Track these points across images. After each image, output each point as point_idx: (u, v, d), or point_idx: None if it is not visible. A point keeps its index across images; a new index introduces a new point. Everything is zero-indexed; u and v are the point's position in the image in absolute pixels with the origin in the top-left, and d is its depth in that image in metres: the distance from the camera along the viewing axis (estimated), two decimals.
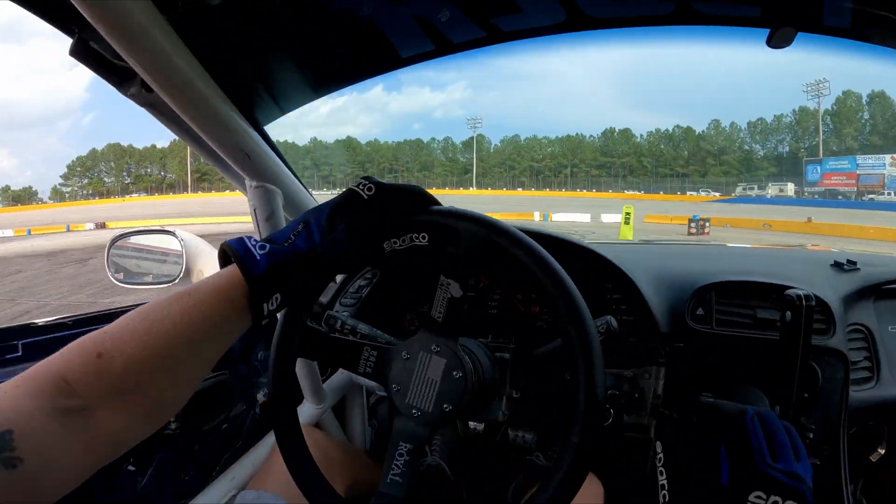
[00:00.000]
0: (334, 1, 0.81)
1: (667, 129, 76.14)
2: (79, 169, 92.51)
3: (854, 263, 1.25)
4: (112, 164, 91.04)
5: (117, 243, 1.37)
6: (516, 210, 30.72)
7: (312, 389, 1.16)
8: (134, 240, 1.40)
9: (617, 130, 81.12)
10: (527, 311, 1.21)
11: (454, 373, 0.66)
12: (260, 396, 1.18)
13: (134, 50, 0.64)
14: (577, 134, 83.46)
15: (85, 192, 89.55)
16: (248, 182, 0.97)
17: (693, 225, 18.18)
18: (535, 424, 1.06)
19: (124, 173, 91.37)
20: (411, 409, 0.66)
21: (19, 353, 0.87)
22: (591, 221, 24.86)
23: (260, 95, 0.95)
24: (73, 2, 0.55)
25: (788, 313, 0.90)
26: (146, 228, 1.42)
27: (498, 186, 77.57)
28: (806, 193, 46.85)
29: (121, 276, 1.37)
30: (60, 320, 0.98)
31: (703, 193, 54.18)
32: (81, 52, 0.73)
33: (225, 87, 0.83)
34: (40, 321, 0.96)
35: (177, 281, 1.33)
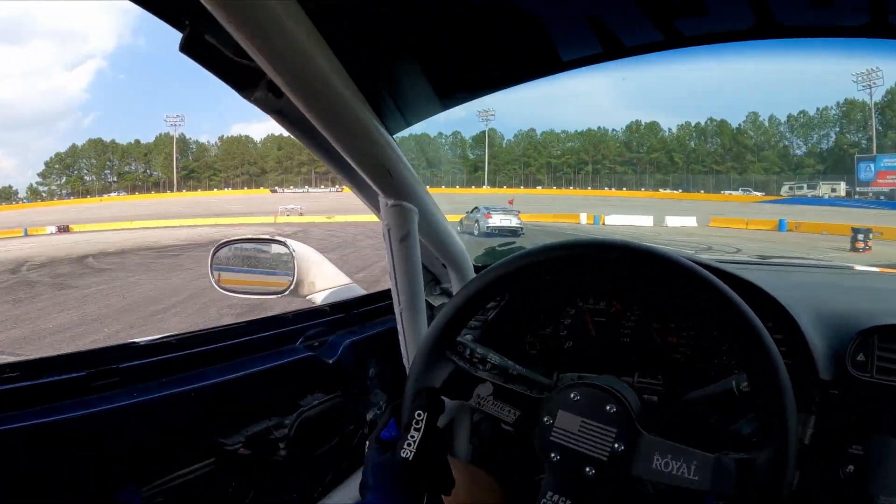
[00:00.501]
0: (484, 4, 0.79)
1: (698, 123, 75.38)
2: (57, 166, 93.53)
3: None
4: (93, 160, 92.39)
5: (221, 251, 1.45)
6: (547, 210, 30.45)
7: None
8: (241, 247, 1.48)
9: (643, 124, 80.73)
10: (664, 342, 1.18)
11: (608, 408, 0.70)
12: (371, 416, 1.23)
13: (264, 45, 0.58)
14: (598, 128, 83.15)
15: (64, 191, 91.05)
16: (383, 200, 0.97)
17: (860, 237, 15.37)
18: None
19: (106, 171, 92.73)
20: (585, 469, 0.69)
21: (117, 378, 0.84)
22: (654, 225, 24.55)
23: (388, 104, 0.93)
24: None
25: None
26: (254, 237, 1.51)
27: (513, 184, 77.27)
28: (858, 193, 46.00)
29: (228, 284, 1.45)
30: (165, 339, 0.97)
31: (742, 192, 53.36)
32: (195, 46, 0.67)
33: (365, 93, 0.80)
34: (142, 340, 0.95)
35: (287, 292, 1.40)
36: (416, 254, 1.02)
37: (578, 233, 20.26)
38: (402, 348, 1.10)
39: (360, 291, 1.50)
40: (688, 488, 0.64)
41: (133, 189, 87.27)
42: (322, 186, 74.37)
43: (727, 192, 55.39)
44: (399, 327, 1.07)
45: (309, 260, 1.42)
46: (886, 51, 0.98)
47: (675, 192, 60.16)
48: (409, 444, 0.69)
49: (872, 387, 1.00)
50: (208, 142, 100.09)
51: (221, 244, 1.46)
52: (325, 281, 1.46)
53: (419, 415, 0.70)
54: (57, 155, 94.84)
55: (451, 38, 0.86)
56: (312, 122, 0.73)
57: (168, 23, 0.64)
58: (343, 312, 1.30)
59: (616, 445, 0.67)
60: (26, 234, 33.67)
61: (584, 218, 27.01)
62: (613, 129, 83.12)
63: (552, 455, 0.71)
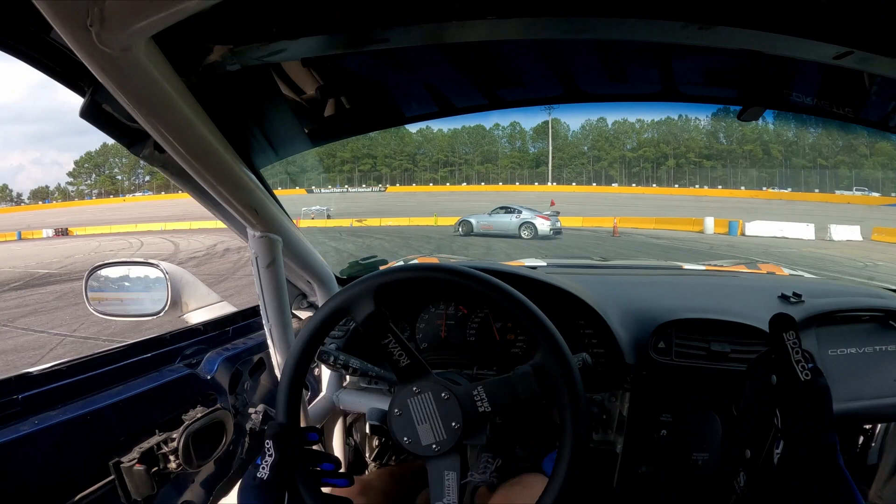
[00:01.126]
0: (347, 65, 1.07)
1: None
2: (87, 166, 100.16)
3: (799, 296, 1.62)
4: (124, 159, 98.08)
5: (96, 273, 1.64)
6: (634, 212, 28.87)
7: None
8: (113, 270, 1.66)
9: (732, 111, 75.23)
10: (503, 339, 1.59)
11: (443, 395, 1.00)
12: (250, 424, 1.44)
13: (150, 112, 0.77)
14: (679, 116, 79.31)
15: (94, 191, 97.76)
16: (250, 232, 1.20)
17: None
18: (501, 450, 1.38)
19: (139, 170, 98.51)
20: (432, 448, 1.01)
21: (19, 408, 0.98)
22: (817, 239, 21.40)
23: (258, 141, 1.16)
24: (88, 64, 0.63)
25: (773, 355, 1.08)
26: (128, 260, 1.72)
27: (581, 181, 75.57)
28: None
29: (101, 307, 1.63)
30: (55, 367, 1.09)
31: (858, 193, 49.59)
32: (93, 113, 0.86)
33: (232, 141, 1.01)
34: (34, 369, 1.06)
35: (162, 313, 1.61)
36: (281, 277, 1.26)
37: (699, 242, 19.31)
38: (273, 360, 1.32)
39: (231, 309, 1.68)
40: None
41: (169, 188, 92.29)
42: (363, 186, 76.17)
43: (840, 193, 51.19)
44: (269, 341, 1.30)
45: (182, 281, 1.64)
46: None
47: (783, 191, 55.79)
48: (263, 468, 0.98)
49: (673, 368, 1.43)
50: None
51: (96, 267, 1.64)
52: (198, 301, 1.67)
53: (268, 443, 1.00)
54: (87, 154, 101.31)
55: (314, 97, 1.15)
56: (191, 173, 0.96)
57: (71, 89, 0.84)
58: (217, 330, 1.52)
59: (454, 424, 0.99)
60: (19, 238, 35.43)
61: (710, 224, 24.35)
62: (697, 118, 78.52)
63: (405, 439, 1.01)
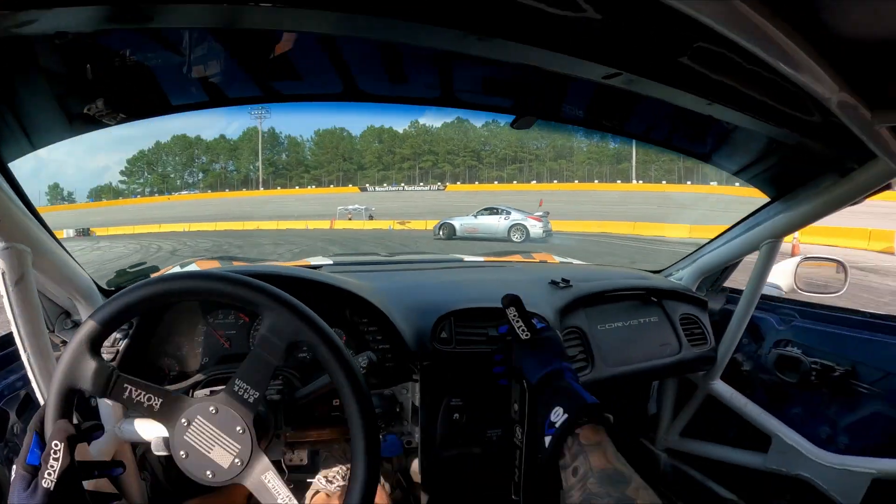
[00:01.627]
0: (106, 42, 1.03)
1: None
2: (140, 164, 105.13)
3: (567, 281, 1.93)
4: (177, 157, 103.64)
5: None
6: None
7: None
8: None
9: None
10: None
11: (210, 409, 0.98)
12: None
13: None
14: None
15: (147, 189, 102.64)
16: None
17: None
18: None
19: (193, 168, 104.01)
20: (237, 466, 0.98)
21: None
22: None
23: (10, 128, 1.09)
24: None
25: (504, 328, 1.37)
26: None
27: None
28: None
29: None
30: None
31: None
32: None
33: None
34: None
35: None
36: (33, 295, 1.17)
37: None
38: (36, 393, 1.24)
39: None
40: None
41: (222, 186, 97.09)
42: (421, 184, 77.60)
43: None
44: (28, 371, 1.20)
45: None
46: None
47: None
48: (49, 474, 0.86)
49: (456, 355, 1.58)
50: (301, 136, 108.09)
51: None
52: None
53: (56, 445, 0.90)
54: (140, 152, 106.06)
55: (70, 76, 1.09)
56: None
57: None
58: None
59: (236, 460, 0.97)
60: None
61: None
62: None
63: (208, 474, 0.98)
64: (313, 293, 1.47)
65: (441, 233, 21.43)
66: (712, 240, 2.22)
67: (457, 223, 21.39)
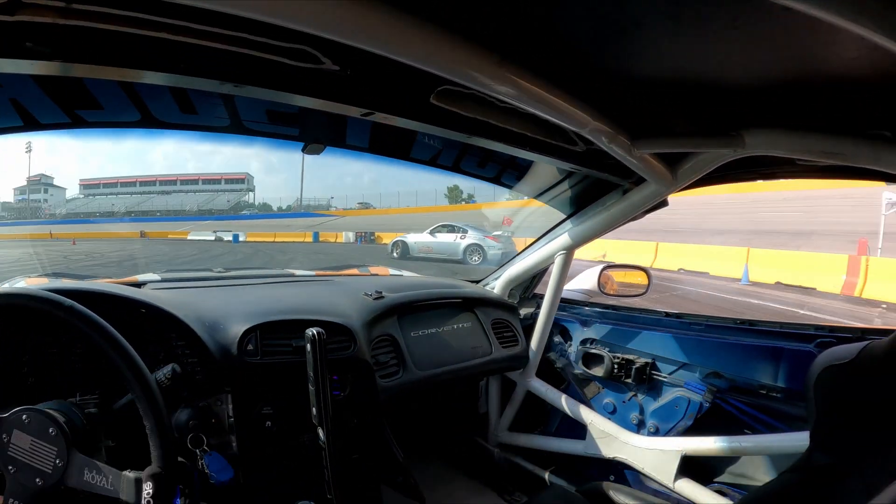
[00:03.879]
0: None
1: None
2: None
3: (380, 293, 2.08)
4: None
5: None
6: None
7: None
8: None
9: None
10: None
11: (50, 430, 1.02)
12: None
13: None
14: None
15: None
16: None
17: None
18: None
19: None
20: (35, 480, 1.01)
21: None
22: None
23: None
24: None
25: (308, 345, 1.46)
26: None
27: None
28: None
29: None
30: None
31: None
32: None
33: None
34: None
35: None
36: None
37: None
38: None
39: None
40: (110, 497, 1.04)
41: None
42: None
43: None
44: None
45: None
46: None
47: None
48: None
49: (264, 366, 1.66)
50: None
51: None
52: None
53: None
54: None
55: None
56: None
57: None
58: None
59: (57, 461, 1.01)
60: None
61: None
62: None
63: (10, 468, 1.01)
64: (125, 309, 1.51)
65: (395, 253, 19.75)
66: (519, 252, 2.45)
67: (411, 242, 19.63)
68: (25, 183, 68.06)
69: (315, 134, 1.47)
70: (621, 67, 1.01)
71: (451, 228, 19.06)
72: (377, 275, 2.92)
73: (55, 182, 69.23)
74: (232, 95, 1.25)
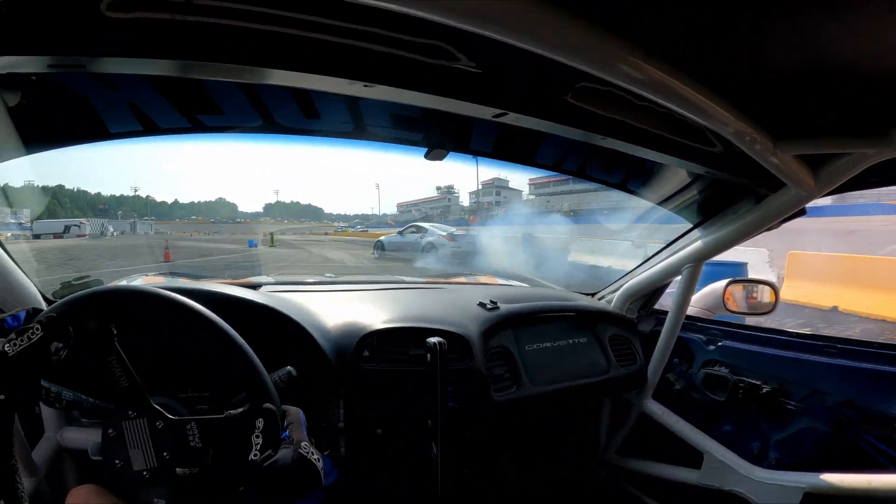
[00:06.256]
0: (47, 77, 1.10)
1: None
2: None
3: (495, 303, 2.02)
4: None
5: None
6: None
7: (23, 462, 1.37)
8: None
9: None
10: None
11: (157, 423, 1.03)
12: None
13: None
14: None
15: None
16: None
17: None
18: None
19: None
20: (142, 474, 1.03)
21: None
22: None
23: None
24: None
25: (429, 355, 1.48)
26: None
27: None
28: None
29: None
30: None
31: None
32: None
33: None
34: None
35: None
36: None
37: None
38: None
39: None
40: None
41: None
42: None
43: None
44: None
45: None
46: None
47: None
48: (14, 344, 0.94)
49: (379, 372, 1.67)
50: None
51: None
52: None
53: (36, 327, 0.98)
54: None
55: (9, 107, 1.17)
56: None
57: None
58: None
59: (165, 454, 1.04)
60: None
61: None
62: None
63: (116, 462, 1.04)
64: (245, 313, 1.53)
65: (376, 252, 21.74)
66: (639, 264, 2.30)
67: (386, 241, 21.95)
68: (479, 187, 74.30)
69: (439, 139, 1.43)
70: (765, 59, 0.91)
71: (417, 229, 21.59)
72: (486, 283, 2.88)
73: (510, 185, 74.77)
74: (356, 99, 1.22)
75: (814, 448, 1.83)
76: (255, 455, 1.02)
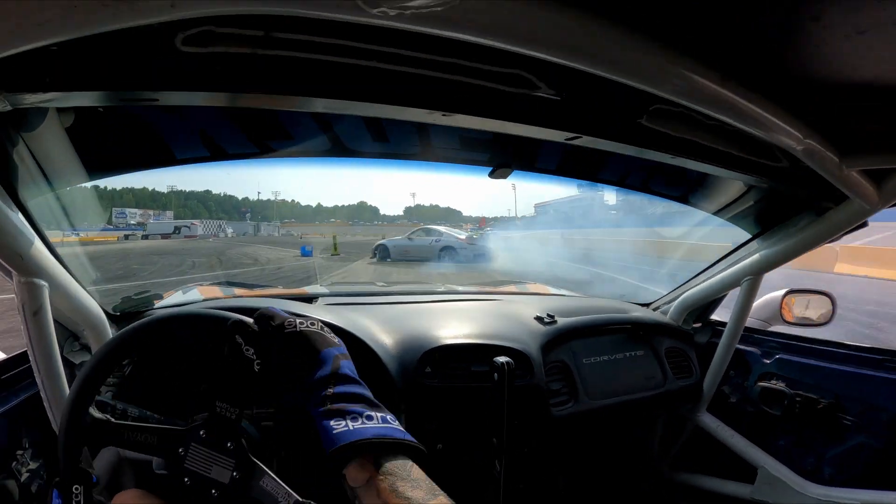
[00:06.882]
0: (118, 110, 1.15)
1: None
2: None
3: (552, 317, 2.04)
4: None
5: None
6: None
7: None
8: None
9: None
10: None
11: (228, 444, 1.03)
12: (34, 487, 1.41)
13: None
14: None
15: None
16: (15, 276, 1.18)
17: None
18: None
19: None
20: (211, 491, 1.03)
21: None
22: None
23: (30, 172, 1.17)
24: None
25: (496, 374, 1.50)
26: None
27: None
28: None
29: None
30: None
31: None
32: None
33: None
34: None
35: None
36: (49, 324, 1.26)
37: None
38: (48, 413, 1.33)
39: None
40: None
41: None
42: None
43: None
44: (42, 394, 1.30)
45: None
46: None
47: None
48: None
49: (441, 389, 1.69)
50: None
51: None
52: None
53: (77, 489, 0.98)
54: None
55: (89, 129, 1.20)
56: None
57: None
58: None
59: (234, 474, 1.03)
60: None
61: None
62: None
63: (185, 479, 1.03)
64: None
65: (376, 256, 20.48)
66: (696, 275, 2.27)
67: (390, 245, 20.89)
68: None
69: (504, 158, 1.45)
70: (834, 76, 0.90)
71: (428, 232, 20.80)
72: (539, 293, 2.86)
73: None
74: (427, 125, 1.24)
75: (869, 465, 1.81)
76: None
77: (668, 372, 2.18)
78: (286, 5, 0.58)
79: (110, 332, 1.56)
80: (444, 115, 1.01)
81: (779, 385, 2.09)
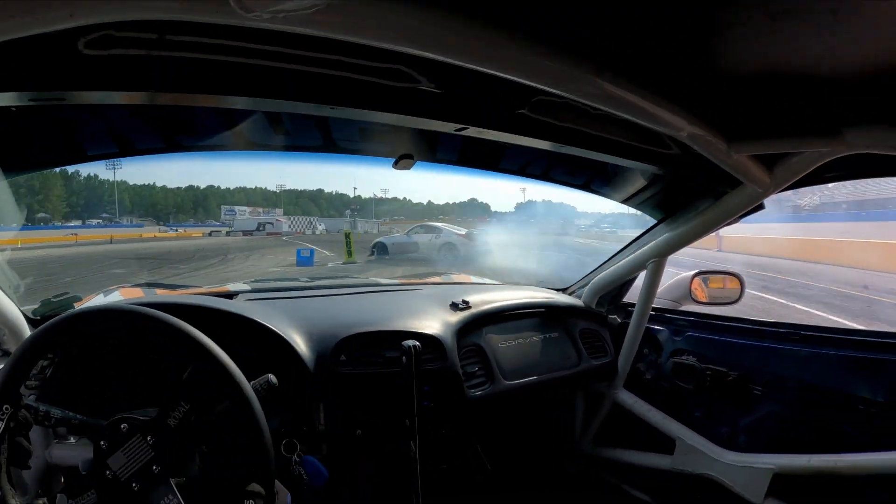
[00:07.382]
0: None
1: None
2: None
3: (467, 303, 2.10)
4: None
5: None
6: None
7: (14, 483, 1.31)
8: None
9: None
10: None
11: (148, 438, 1.08)
12: None
13: None
14: None
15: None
16: None
17: None
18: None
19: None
20: (132, 485, 1.07)
21: None
22: None
23: None
24: None
25: (404, 357, 1.57)
26: None
27: None
28: None
29: None
30: None
31: None
32: None
33: None
34: None
35: None
36: None
37: None
38: None
39: None
40: None
41: None
42: None
43: None
44: None
45: None
46: None
47: None
48: None
49: (356, 376, 1.74)
50: None
51: None
52: None
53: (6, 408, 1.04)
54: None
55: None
56: None
57: None
58: None
59: (155, 467, 1.08)
60: None
61: None
62: None
63: (107, 473, 1.08)
64: (223, 324, 1.56)
65: (374, 253, 20.13)
66: (607, 260, 2.37)
67: (388, 243, 20.26)
68: None
69: (406, 149, 1.50)
70: (717, 67, 0.98)
71: (428, 229, 20.41)
72: (460, 283, 2.93)
73: None
74: (325, 118, 1.29)
75: (781, 431, 1.91)
76: None
77: (583, 352, 2.28)
78: (168, 12, 0.61)
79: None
80: (331, 108, 1.07)
81: (690, 360, 2.19)
